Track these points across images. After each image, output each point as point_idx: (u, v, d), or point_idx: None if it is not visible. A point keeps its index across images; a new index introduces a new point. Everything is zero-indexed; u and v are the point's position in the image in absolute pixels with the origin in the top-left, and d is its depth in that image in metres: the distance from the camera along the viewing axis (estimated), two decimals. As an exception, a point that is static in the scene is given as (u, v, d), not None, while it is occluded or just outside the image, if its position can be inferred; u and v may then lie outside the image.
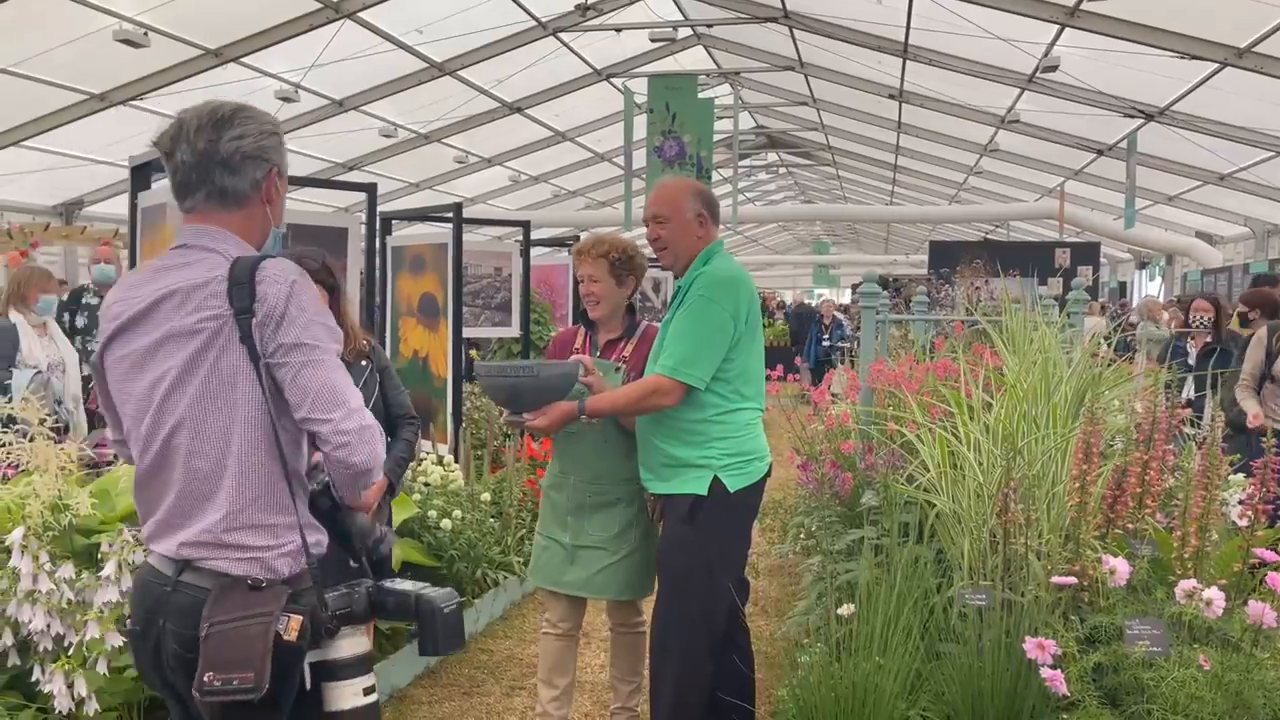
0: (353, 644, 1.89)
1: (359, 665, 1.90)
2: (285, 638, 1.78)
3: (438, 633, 1.97)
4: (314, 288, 1.95)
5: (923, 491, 3.09)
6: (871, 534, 3.35)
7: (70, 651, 2.98)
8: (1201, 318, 6.54)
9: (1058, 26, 9.82)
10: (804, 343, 16.56)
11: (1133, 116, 12.21)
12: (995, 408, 3.10)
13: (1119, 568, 2.38)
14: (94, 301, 6.32)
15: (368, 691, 1.90)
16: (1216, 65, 9.77)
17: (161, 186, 4.30)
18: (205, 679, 1.72)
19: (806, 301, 21.11)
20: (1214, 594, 2.23)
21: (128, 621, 1.97)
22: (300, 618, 1.80)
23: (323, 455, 1.88)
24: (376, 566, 2.06)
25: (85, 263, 6.70)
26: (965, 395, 3.30)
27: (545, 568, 3.35)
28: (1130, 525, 2.64)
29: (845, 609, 2.82)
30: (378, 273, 5.48)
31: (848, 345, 8.83)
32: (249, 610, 1.78)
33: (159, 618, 1.86)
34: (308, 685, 1.87)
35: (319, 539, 1.93)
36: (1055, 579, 2.44)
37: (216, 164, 1.86)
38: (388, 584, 2.00)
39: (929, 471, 3.10)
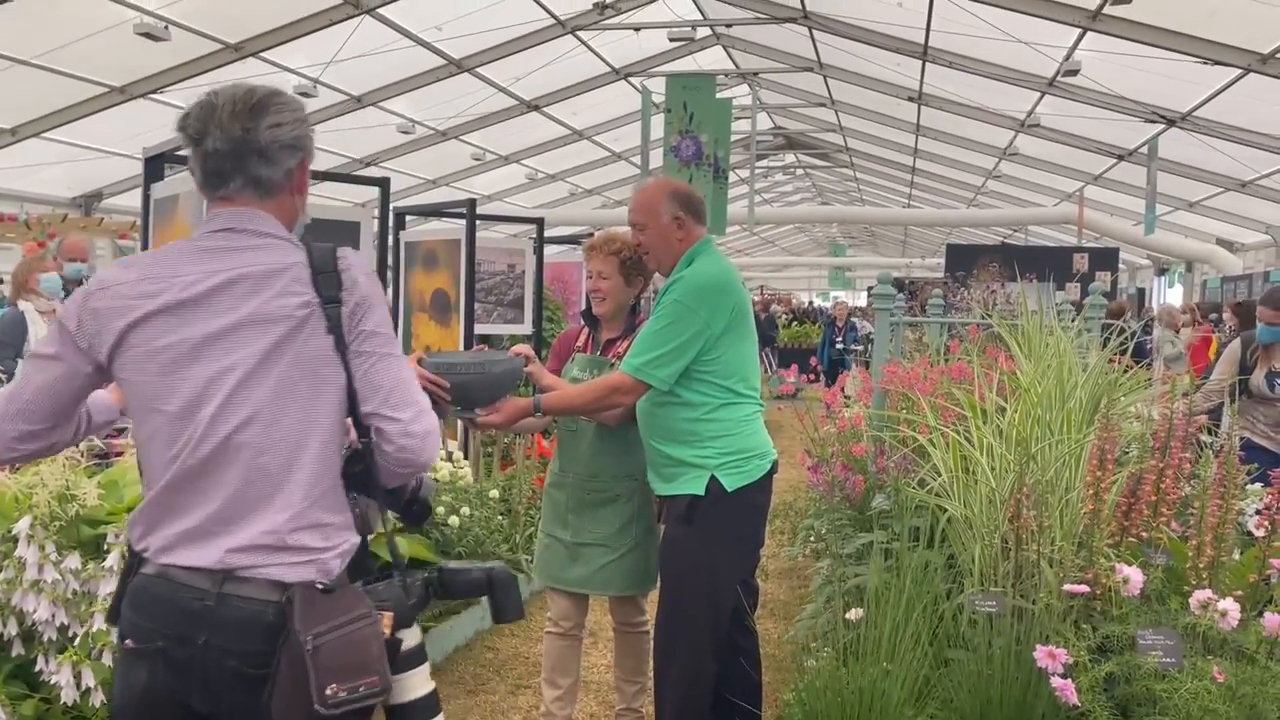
0: (413, 633, 1.88)
1: (421, 652, 1.90)
2: (384, 636, 1.75)
3: (511, 602, 2.06)
4: None
5: (934, 496, 3.06)
6: (881, 538, 3.31)
7: (76, 643, 2.98)
8: None
9: (1079, 30, 9.73)
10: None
11: (1154, 122, 12.10)
12: (1009, 412, 3.07)
13: (1132, 576, 2.34)
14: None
15: (429, 678, 1.92)
16: (1239, 71, 9.67)
17: (175, 179, 4.29)
18: (329, 691, 1.63)
19: (771, 305, 20.67)
20: (1229, 605, 2.20)
21: (127, 641, 1.76)
22: (390, 613, 1.78)
23: (381, 451, 1.81)
24: (418, 516, 2.07)
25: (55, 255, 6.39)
26: (978, 399, 3.27)
27: (548, 565, 3.34)
28: (1145, 533, 2.60)
29: (853, 613, 2.79)
30: (390, 268, 5.47)
31: (860, 348, 8.80)
32: (349, 614, 1.70)
33: (198, 635, 1.70)
34: None
35: (358, 539, 1.85)
36: (1067, 587, 2.40)
37: (253, 153, 1.77)
38: (452, 565, 2.04)
39: (941, 476, 3.06)
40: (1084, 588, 2.39)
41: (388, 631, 1.76)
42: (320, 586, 1.73)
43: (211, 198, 1.82)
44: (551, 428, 3.51)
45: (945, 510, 2.97)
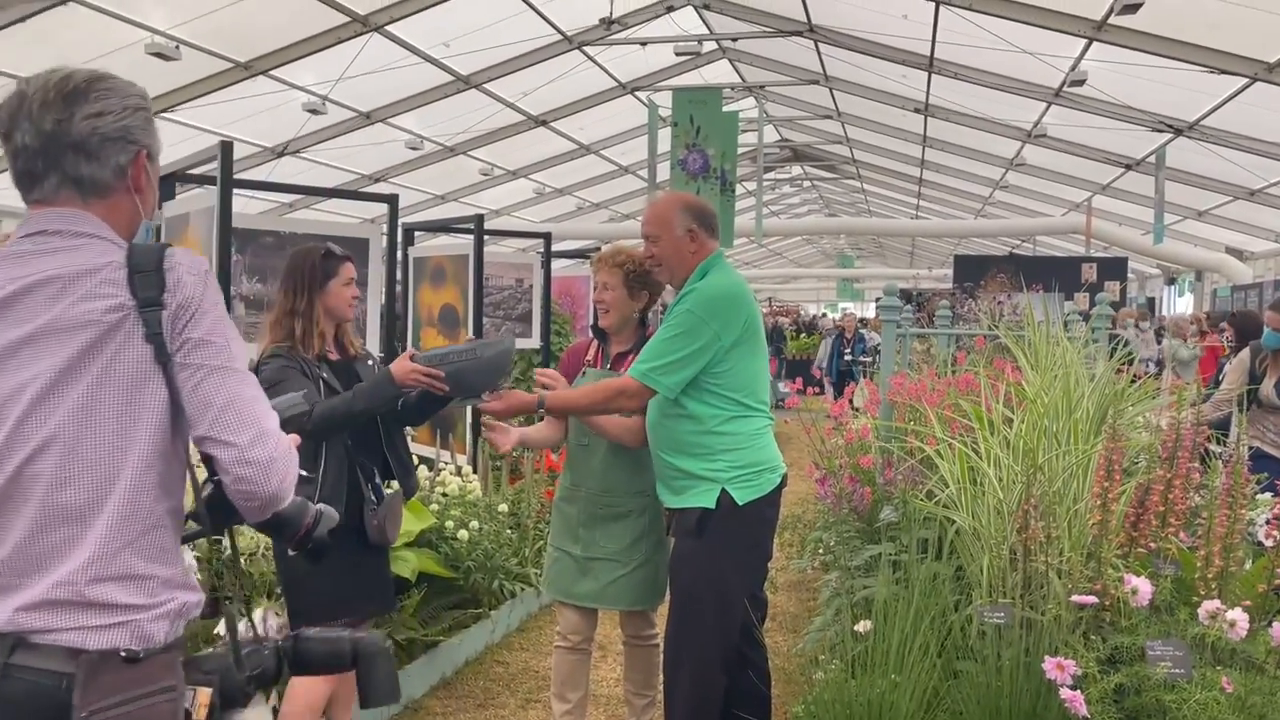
0: (259, 714, 1.58)
1: None
2: (193, 718, 1.47)
3: (382, 680, 1.69)
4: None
5: (942, 508, 3.06)
6: (890, 550, 3.31)
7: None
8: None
9: (1085, 40, 9.76)
10: None
11: (1161, 131, 12.10)
12: (1016, 423, 3.07)
13: (1141, 587, 2.34)
14: None
15: None
16: (1246, 80, 9.68)
17: (187, 197, 4.34)
18: None
19: (777, 317, 20.78)
20: (1237, 615, 2.19)
21: None
22: (209, 690, 1.49)
23: (223, 483, 1.54)
24: (315, 554, 1.75)
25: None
26: (985, 410, 3.27)
27: (557, 579, 3.36)
28: (1153, 544, 2.59)
29: (862, 625, 2.79)
30: (399, 283, 5.50)
31: (869, 360, 8.81)
32: (146, 687, 1.41)
33: None
34: None
35: (199, 599, 1.55)
36: (1075, 598, 2.40)
37: (68, 148, 1.51)
38: (310, 631, 1.70)
39: (948, 487, 3.06)
40: (1092, 599, 2.39)
41: (202, 712, 1.47)
42: (124, 654, 1.42)
43: (27, 201, 1.57)
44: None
45: (953, 521, 2.97)
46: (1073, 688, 2.20)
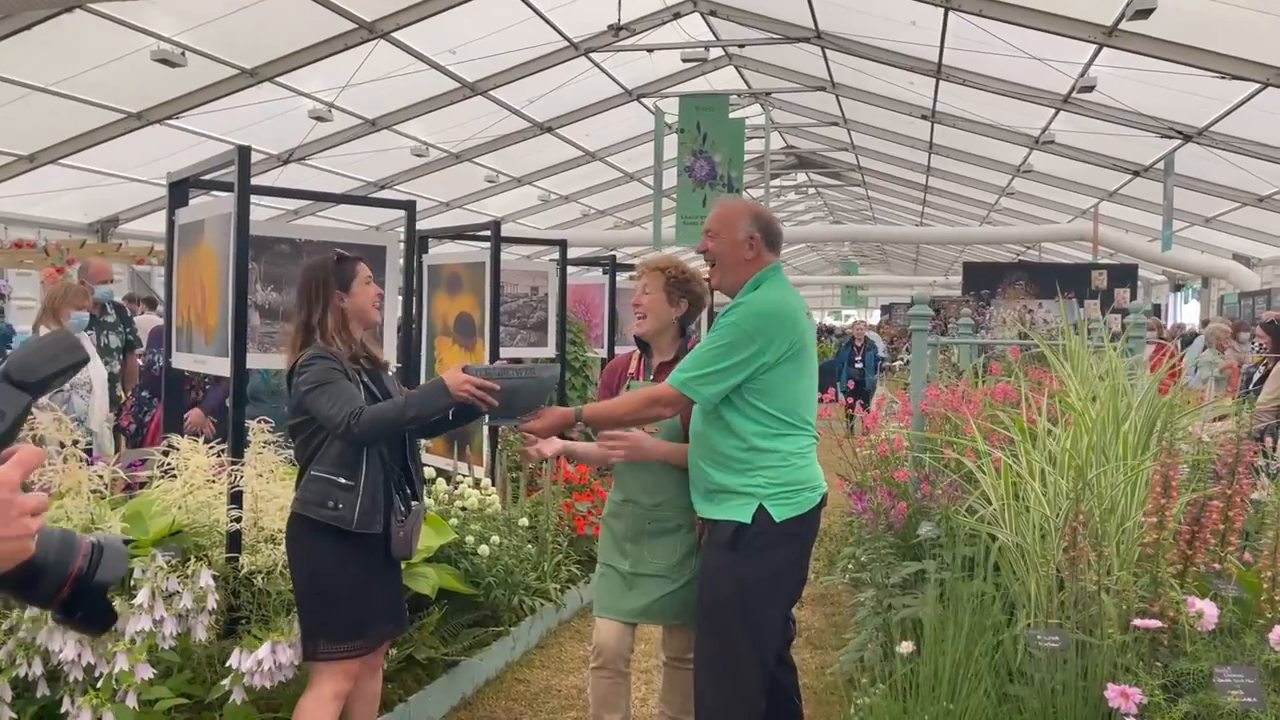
0: None
1: None
2: None
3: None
4: None
5: (985, 524, 2.96)
6: (932, 567, 3.22)
7: (100, 684, 2.89)
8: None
9: (1095, 46, 9.69)
10: None
11: (1170, 137, 12.03)
12: (1061, 437, 2.97)
13: (1206, 610, 2.25)
14: (110, 319, 6.35)
15: None
16: (1258, 85, 9.62)
17: (200, 204, 4.24)
18: None
19: None
20: (1313, 641, 2.10)
21: None
22: None
23: None
24: (90, 618, 1.16)
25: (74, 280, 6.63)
26: (1027, 422, 3.17)
27: (602, 595, 3.26)
28: (1216, 564, 2.50)
29: (904, 647, 2.70)
30: (413, 292, 5.41)
31: (884, 368, 8.69)
32: None
33: None
34: None
35: None
36: (1138, 622, 2.31)
37: None
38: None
39: (991, 504, 2.97)
40: (1155, 623, 2.30)
41: None
42: None
43: None
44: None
45: (995, 539, 2.88)
46: (1137, 716, 2.11)
